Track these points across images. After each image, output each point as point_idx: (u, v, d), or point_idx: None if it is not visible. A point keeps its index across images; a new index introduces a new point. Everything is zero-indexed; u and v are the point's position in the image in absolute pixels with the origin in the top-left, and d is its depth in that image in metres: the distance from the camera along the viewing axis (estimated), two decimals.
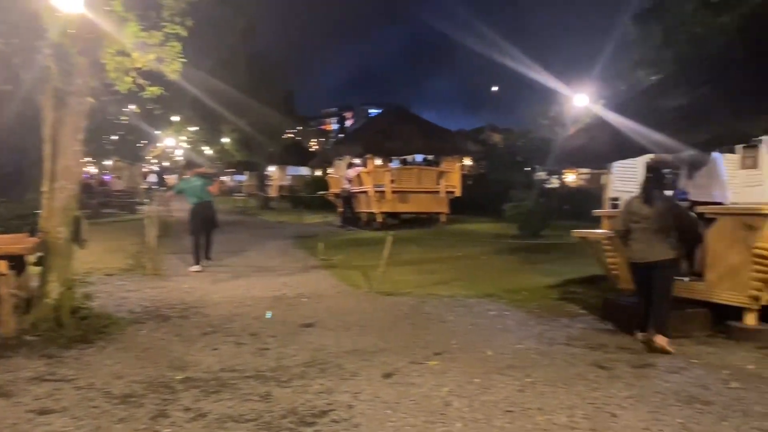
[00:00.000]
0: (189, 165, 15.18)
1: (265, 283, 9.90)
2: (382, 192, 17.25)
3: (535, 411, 4.31)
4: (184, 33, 6.54)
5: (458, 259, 11.87)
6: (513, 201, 14.94)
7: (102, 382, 4.91)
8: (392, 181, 17.37)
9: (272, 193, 28.14)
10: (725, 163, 8.54)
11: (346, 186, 17.65)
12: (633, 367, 5.35)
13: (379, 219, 17.43)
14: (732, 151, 8.61)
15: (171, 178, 32.11)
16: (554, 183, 25.97)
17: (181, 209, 15.36)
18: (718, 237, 6.48)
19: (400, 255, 12.29)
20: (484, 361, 5.58)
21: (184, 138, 37.24)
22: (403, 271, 10.84)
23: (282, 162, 32.86)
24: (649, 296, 6.02)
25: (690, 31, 7.95)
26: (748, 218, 6.20)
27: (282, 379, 5.10)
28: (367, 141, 17.85)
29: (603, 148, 7.45)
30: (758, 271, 6.04)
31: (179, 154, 42.14)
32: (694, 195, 7.26)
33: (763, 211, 6.02)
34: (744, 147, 7.73)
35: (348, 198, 17.54)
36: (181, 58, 6.64)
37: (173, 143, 37.90)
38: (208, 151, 38.73)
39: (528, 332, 6.66)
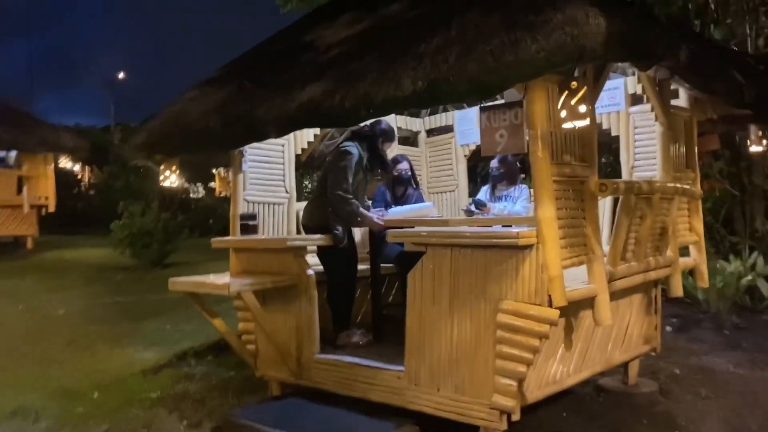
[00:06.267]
0: None
1: None
2: None
3: None
4: None
5: (10, 320, 7.04)
6: (125, 217, 10.48)
7: None
8: None
9: None
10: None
11: None
12: None
13: None
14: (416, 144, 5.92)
15: None
16: (198, 192, 21.90)
17: None
18: (428, 290, 3.38)
19: None
20: None
21: None
22: None
23: None
24: None
25: None
26: (488, 252, 3.21)
27: None
28: None
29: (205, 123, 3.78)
30: (507, 358, 3.07)
31: None
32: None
33: (517, 241, 3.04)
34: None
35: None
36: None
37: None
38: None
39: None
